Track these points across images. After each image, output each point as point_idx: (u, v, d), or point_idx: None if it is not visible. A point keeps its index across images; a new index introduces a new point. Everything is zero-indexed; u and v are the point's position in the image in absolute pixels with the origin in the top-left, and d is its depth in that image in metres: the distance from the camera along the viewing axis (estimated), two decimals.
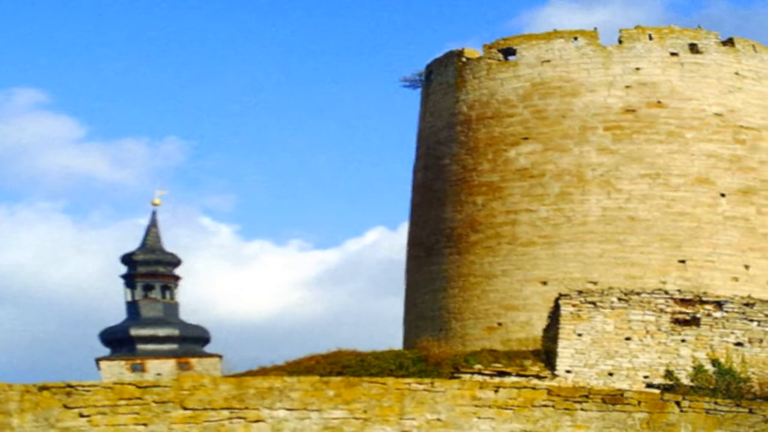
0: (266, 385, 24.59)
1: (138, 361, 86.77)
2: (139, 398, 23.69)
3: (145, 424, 23.47)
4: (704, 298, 33.92)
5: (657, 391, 27.26)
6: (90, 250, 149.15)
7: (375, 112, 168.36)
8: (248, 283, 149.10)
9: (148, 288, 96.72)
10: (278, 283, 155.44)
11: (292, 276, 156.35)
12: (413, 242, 47.54)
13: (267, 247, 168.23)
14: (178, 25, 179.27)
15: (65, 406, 23.36)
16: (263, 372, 32.18)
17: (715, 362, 32.46)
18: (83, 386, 23.72)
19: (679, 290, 35.34)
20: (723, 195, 42.41)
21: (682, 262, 41.14)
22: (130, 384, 23.90)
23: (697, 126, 42.78)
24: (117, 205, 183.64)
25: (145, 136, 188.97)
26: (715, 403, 25.46)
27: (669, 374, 32.29)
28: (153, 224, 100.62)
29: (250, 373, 32.21)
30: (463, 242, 43.58)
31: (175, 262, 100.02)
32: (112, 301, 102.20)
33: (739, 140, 43.22)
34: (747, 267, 41.97)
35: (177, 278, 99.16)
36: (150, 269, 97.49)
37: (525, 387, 25.64)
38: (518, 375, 31.32)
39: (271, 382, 24.69)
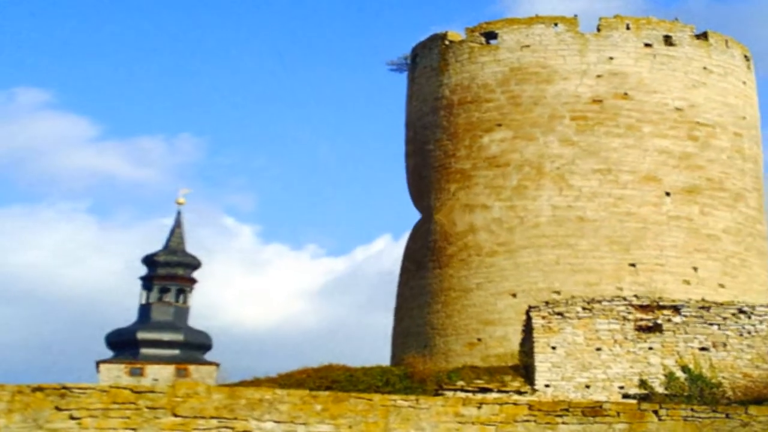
0: (257, 396, 24.28)
1: (138, 365, 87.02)
2: (133, 403, 23.08)
3: (134, 429, 22.84)
4: (661, 303, 32.77)
5: (634, 402, 27.44)
6: (112, 251, 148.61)
7: (386, 103, 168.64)
8: (258, 291, 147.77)
9: (163, 291, 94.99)
10: (285, 293, 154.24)
11: (299, 286, 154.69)
12: (407, 255, 47.00)
13: (283, 252, 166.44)
14: (172, 21, 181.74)
15: (57, 408, 22.45)
16: (256, 383, 31.85)
17: (685, 368, 31.88)
18: (79, 388, 23.23)
19: (636, 296, 34.86)
20: (668, 194, 42.13)
21: (633, 265, 40.91)
22: (125, 388, 23.42)
23: (656, 120, 42.53)
24: (141, 205, 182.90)
25: (161, 133, 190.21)
26: (692, 410, 24.11)
27: (643, 383, 32.26)
28: (177, 225, 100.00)
29: (244, 384, 32.38)
30: (443, 256, 43.42)
31: (195, 264, 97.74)
32: (126, 303, 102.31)
33: (693, 137, 43.00)
34: (695, 269, 41.51)
35: (194, 281, 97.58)
36: (170, 271, 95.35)
37: (507, 403, 24.99)
38: (499, 391, 31.56)
39: (262, 393, 24.53)
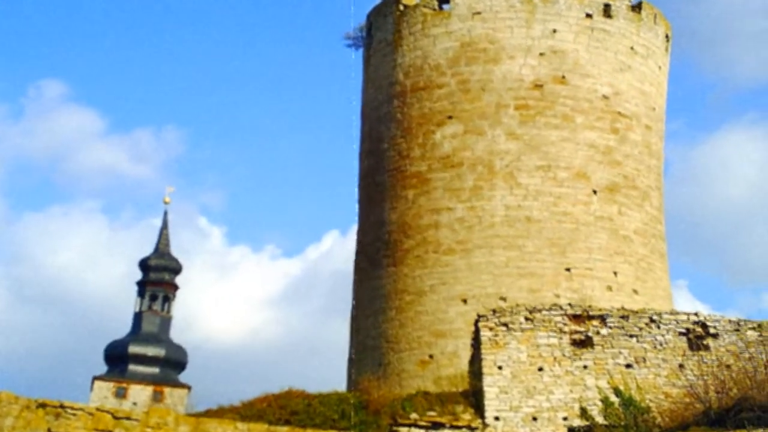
0: (219, 431, 26.81)
1: (123, 384, 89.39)
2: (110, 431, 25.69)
3: None
4: (591, 313, 35.07)
5: None
6: (119, 253, 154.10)
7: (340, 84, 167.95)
8: (226, 298, 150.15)
9: (153, 298, 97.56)
10: (250, 301, 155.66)
11: (262, 292, 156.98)
12: (359, 250, 47.48)
13: (246, 254, 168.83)
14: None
15: (49, 430, 25.48)
16: (221, 413, 34.04)
17: (616, 391, 34.19)
18: (72, 408, 26.08)
19: (570, 304, 36.36)
20: (595, 192, 43.03)
21: (568, 270, 41.91)
22: (107, 412, 26.26)
23: (587, 109, 43.71)
24: (138, 204, 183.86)
25: (151, 125, 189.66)
26: None
27: (584, 412, 34.38)
28: (165, 226, 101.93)
29: (209, 413, 34.31)
30: (399, 250, 43.89)
31: (178, 269, 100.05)
32: (125, 310, 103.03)
33: (615, 129, 44.17)
34: (616, 274, 42.54)
35: (176, 287, 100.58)
36: (159, 276, 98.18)
37: None
38: (452, 427, 33.49)
39: (224, 428, 26.87)
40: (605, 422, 33.59)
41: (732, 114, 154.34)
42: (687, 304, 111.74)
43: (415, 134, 44.57)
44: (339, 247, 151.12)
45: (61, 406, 25.94)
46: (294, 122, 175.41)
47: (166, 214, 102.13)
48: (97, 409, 26.42)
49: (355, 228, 48.20)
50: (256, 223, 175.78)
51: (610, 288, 42.16)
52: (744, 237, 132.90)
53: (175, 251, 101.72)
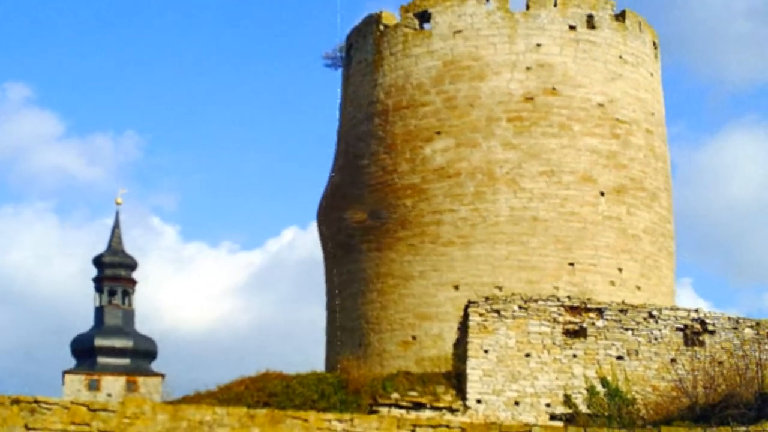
0: (198, 417, 25.92)
1: (95, 377, 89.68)
2: (87, 424, 25.10)
3: None
4: (588, 305, 34.99)
5: (561, 425, 28.61)
6: (71, 252, 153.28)
7: (300, 100, 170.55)
8: (187, 290, 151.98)
9: (111, 293, 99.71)
10: (213, 290, 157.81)
11: (225, 282, 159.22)
12: (325, 240, 47.43)
13: (203, 249, 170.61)
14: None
15: (26, 426, 24.75)
16: (198, 398, 33.48)
17: (603, 381, 33.97)
18: (47, 403, 25.21)
19: (568, 296, 36.32)
20: (602, 194, 43.14)
21: (572, 264, 42.02)
22: (83, 404, 25.41)
23: (583, 118, 43.52)
24: (89, 205, 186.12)
25: (110, 130, 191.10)
26: None
27: (567, 400, 33.88)
28: (116, 225, 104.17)
29: (186, 400, 33.67)
30: (388, 237, 43.65)
31: (134, 265, 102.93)
32: (85, 305, 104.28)
33: (615, 135, 44.01)
34: (620, 270, 42.87)
35: (134, 282, 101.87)
36: (114, 272, 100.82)
37: (440, 425, 26.93)
38: (432, 407, 32.81)
39: (202, 414, 26.04)
40: (589, 411, 33.51)
41: (731, 116, 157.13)
42: (689, 301, 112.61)
43: (401, 150, 44.38)
44: (300, 240, 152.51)
45: (36, 402, 25.61)
46: (254, 134, 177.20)
47: (117, 214, 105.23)
48: (72, 403, 25.81)
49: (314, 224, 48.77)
50: (210, 222, 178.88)
51: (613, 283, 42.61)
52: (749, 236, 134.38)
53: (129, 249, 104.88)
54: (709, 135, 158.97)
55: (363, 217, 44.50)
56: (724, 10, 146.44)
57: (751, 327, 35.37)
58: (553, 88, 43.71)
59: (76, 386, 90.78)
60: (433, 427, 26.70)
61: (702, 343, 34.85)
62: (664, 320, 35.17)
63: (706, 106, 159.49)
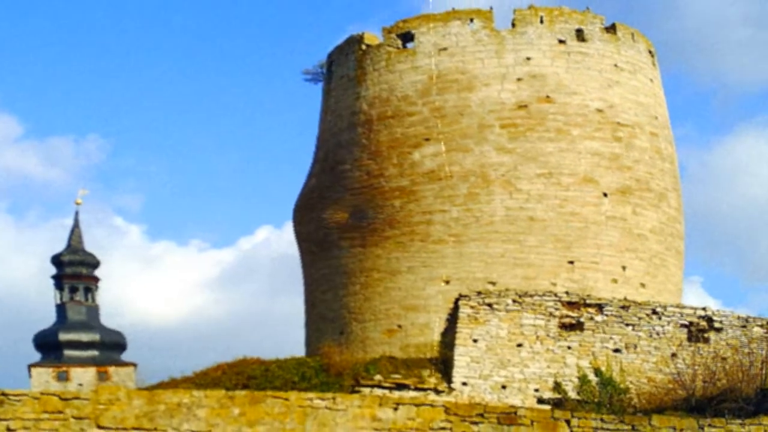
0: (175, 400, 25.32)
1: (63, 369, 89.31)
2: (61, 412, 24.75)
3: None
4: (588, 301, 34.99)
5: (548, 408, 28.00)
6: (27, 251, 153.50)
7: (276, 109, 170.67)
8: (156, 286, 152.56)
9: (73, 290, 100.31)
10: (183, 286, 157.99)
11: (195, 278, 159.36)
12: (301, 239, 46.69)
13: (171, 248, 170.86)
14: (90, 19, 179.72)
15: None
16: (174, 384, 32.66)
17: (597, 371, 33.43)
18: (15, 395, 24.89)
19: (567, 292, 36.11)
20: (605, 194, 42.58)
21: (571, 263, 41.18)
22: (54, 395, 25.04)
23: (582, 123, 42.87)
24: (47, 205, 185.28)
25: (72, 133, 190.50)
26: (602, 420, 26.30)
27: (557, 386, 33.21)
28: (76, 224, 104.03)
29: (162, 385, 32.73)
30: (375, 236, 42.84)
31: (96, 263, 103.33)
32: (44, 303, 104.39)
33: (617, 138, 43.41)
34: (624, 268, 42.23)
35: (97, 280, 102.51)
36: (75, 270, 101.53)
37: (423, 404, 26.31)
38: (416, 388, 32.00)
39: (180, 396, 25.38)
40: (578, 398, 33.12)
41: (741, 117, 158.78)
42: (698, 299, 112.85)
43: (387, 156, 43.41)
44: (275, 238, 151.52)
45: (3, 394, 25.10)
46: (224, 138, 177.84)
47: (77, 213, 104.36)
48: (42, 393, 25.36)
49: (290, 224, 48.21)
50: (177, 222, 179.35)
51: (615, 281, 41.62)
52: (761, 236, 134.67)
53: (90, 247, 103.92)
54: (720, 136, 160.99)
55: (344, 217, 43.80)
56: (720, 18, 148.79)
57: (761, 326, 35.55)
58: (548, 96, 43.13)
59: (44, 378, 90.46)
60: (417, 405, 26.19)
61: (707, 340, 34.83)
62: (669, 317, 35.25)
63: (712, 108, 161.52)
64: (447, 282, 40.85)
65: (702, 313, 35.36)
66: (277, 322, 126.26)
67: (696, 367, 32.13)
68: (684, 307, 35.83)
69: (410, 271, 41.76)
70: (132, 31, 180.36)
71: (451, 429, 25.54)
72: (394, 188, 42.85)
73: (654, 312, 35.06)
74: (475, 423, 25.74)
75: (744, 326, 35.28)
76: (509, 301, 34.51)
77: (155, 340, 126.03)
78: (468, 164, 42.16)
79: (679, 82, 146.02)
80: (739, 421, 26.97)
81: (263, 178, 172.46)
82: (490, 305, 34.37)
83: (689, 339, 34.67)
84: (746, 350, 33.05)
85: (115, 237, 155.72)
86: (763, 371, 30.21)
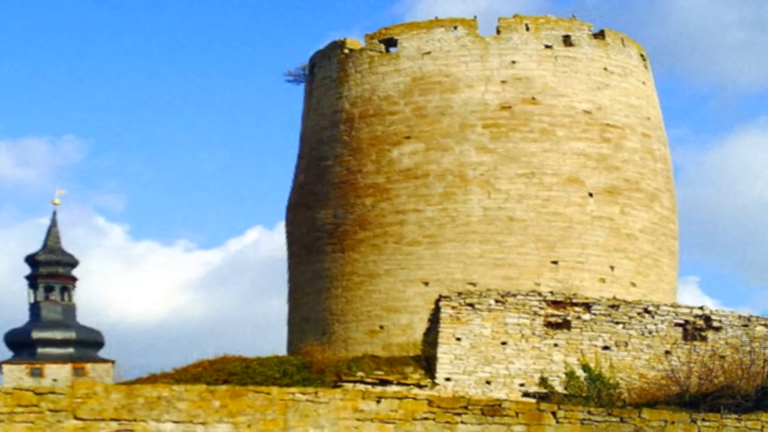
0: (155, 394, 24.96)
1: (37, 365, 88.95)
2: (35, 405, 24.18)
3: None
4: (574, 300, 34.53)
5: (533, 401, 27.74)
6: (0, 251, 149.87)
7: (260, 109, 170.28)
8: (138, 285, 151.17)
9: (48, 289, 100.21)
10: (166, 286, 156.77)
11: (179, 278, 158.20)
12: (291, 240, 46.88)
13: (154, 248, 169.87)
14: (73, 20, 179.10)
15: None
16: (153, 379, 32.31)
17: (585, 367, 33.16)
18: None
19: (551, 292, 35.79)
20: (591, 195, 42.59)
21: (555, 263, 41.35)
22: (28, 390, 24.52)
23: (568, 124, 42.91)
24: (20, 205, 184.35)
25: (47, 134, 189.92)
26: (589, 412, 26.12)
27: (543, 381, 32.92)
28: (53, 224, 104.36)
29: (141, 381, 32.36)
30: (348, 239, 43.01)
31: (73, 263, 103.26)
32: (18, 302, 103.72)
33: (606, 139, 43.44)
34: (612, 268, 42.37)
35: (75, 279, 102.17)
36: (51, 270, 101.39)
37: (406, 397, 26.03)
38: (399, 383, 31.71)
39: (159, 390, 25.05)
40: (566, 392, 32.70)
41: (741, 119, 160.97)
42: (693, 298, 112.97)
43: (367, 153, 43.56)
44: (266, 239, 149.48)
45: None
46: (212, 138, 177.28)
47: (55, 213, 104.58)
48: (15, 389, 24.74)
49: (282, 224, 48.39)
50: (162, 222, 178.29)
51: (603, 280, 41.97)
52: (762, 236, 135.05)
53: (68, 247, 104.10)
54: (718, 137, 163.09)
55: (329, 215, 43.73)
56: (716, 22, 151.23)
57: (765, 325, 35.39)
58: (533, 98, 43.13)
59: (16, 375, 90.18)
60: (399, 398, 25.93)
61: (704, 338, 34.52)
62: (662, 315, 34.83)
63: (710, 110, 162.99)
64: (426, 284, 40.89)
65: (699, 312, 35.07)
66: (260, 324, 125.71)
67: (692, 364, 31.83)
68: (679, 306, 35.58)
69: (388, 273, 41.89)
70: (113, 32, 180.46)
71: (434, 419, 25.32)
72: (369, 185, 42.96)
73: (646, 311, 34.65)
74: (459, 414, 25.53)
75: (746, 325, 35.05)
76: (491, 301, 34.14)
77: (135, 338, 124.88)
78: (446, 163, 42.20)
79: (677, 84, 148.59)
80: (734, 415, 26.81)
81: (253, 178, 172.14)
82: (471, 305, 34.01)
83: (685, 338, 34.37)
84: (747, 349, 32.85)
85: (96, 237, 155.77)
86: (765, 369, 30.05)
